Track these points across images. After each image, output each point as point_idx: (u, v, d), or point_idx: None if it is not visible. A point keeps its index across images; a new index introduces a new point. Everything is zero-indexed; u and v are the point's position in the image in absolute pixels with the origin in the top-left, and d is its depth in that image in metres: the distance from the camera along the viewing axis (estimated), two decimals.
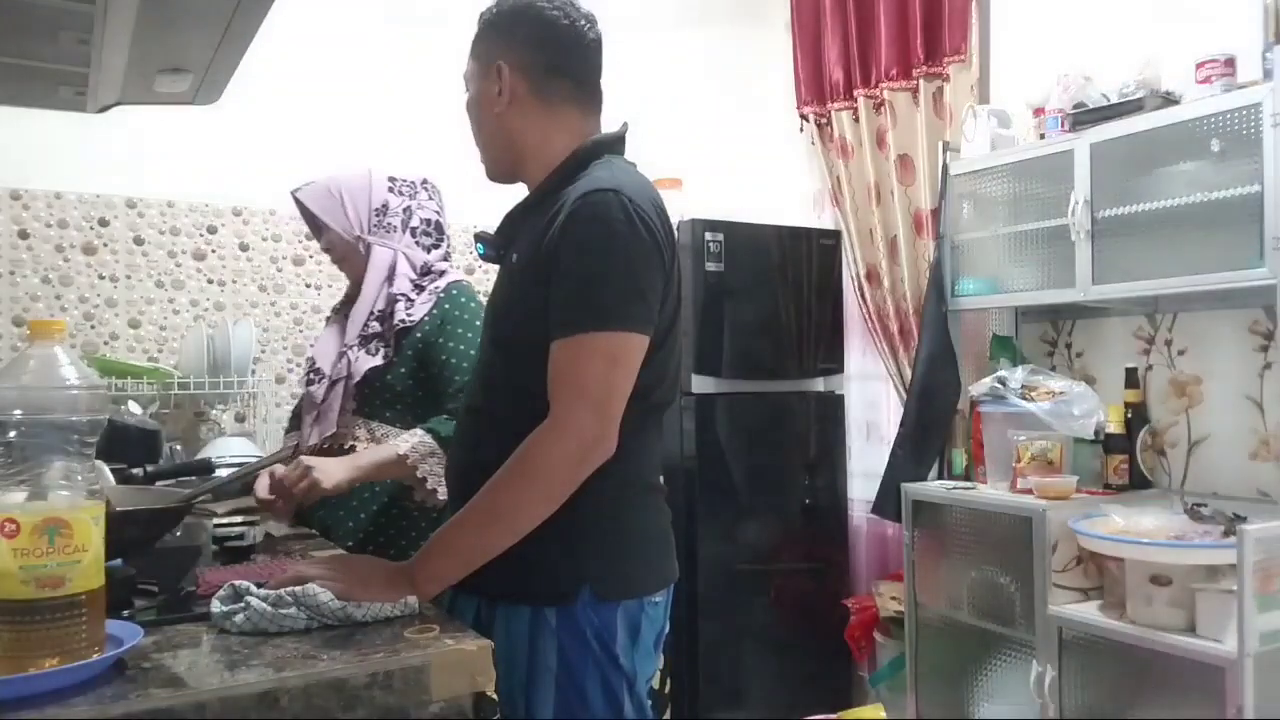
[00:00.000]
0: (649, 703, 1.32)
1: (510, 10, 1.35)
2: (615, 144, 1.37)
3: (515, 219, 1.39)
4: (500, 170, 1.41)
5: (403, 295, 1.81)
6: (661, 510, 1.37)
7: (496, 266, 1.42)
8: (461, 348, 1.75)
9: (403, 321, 1.78)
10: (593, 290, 1.19)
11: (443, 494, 1.61)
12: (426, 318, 1.79)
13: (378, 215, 1.86)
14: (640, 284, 1.21)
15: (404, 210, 1.87)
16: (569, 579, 1.23)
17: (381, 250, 1.84)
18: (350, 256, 1.87)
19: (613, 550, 1.26)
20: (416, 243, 1.88)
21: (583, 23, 1.35)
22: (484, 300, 1.77)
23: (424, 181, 1.94)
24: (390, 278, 1.83)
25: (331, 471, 1.61)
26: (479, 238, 1.43)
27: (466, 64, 1.40)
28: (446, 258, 1.93)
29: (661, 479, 1.39)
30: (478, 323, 1.75)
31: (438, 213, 1.93)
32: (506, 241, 1.38)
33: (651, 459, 1.35)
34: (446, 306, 1.80)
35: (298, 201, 1.89)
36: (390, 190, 1.88)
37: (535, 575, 1.22)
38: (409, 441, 1.65)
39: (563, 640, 1.23)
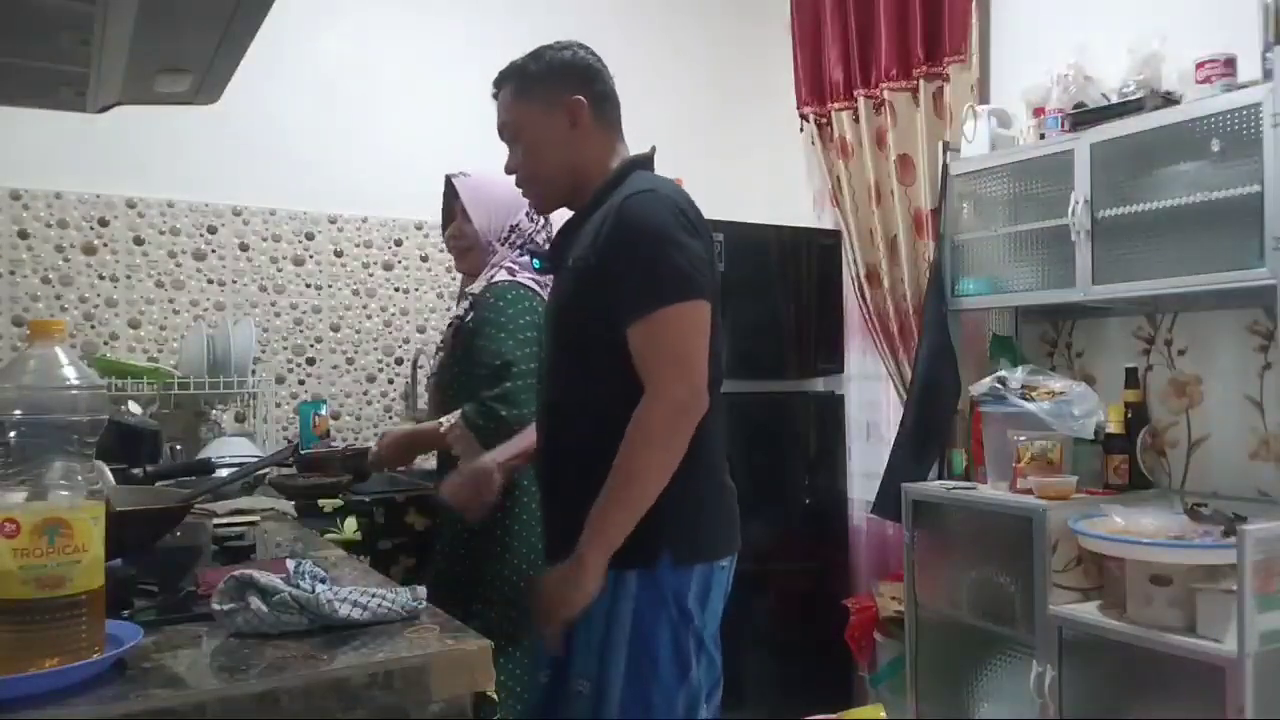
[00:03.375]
0: (717, 653, 1.50)
1: (559, 59, 1.55)
2: (646, 162, 1.57)
3: (568, 232, 1.55)
4: (558, 199, 1.58)
5: None
6: (727, 484, 1.53)
7: None
8: (491, 346, 1.89)
9: (457, 318, 1.98)
10: (653, 272, 1.36)
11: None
12: (471, 315, 1.95)
13: (510, 232, 2.04)
14: (690, 260, 1.38)
15: (529, 236, 2.05)
16: (650, 545, 1.37)
17: (501, 258, 2.02)
18: (474, 251, 2.04)
19: (689, 518, 1.41)
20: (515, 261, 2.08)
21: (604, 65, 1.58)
22: (526, 301, 1.94)
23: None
24: None
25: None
26: (534, 253, 1.67)
27: (511, 115, 1.56)
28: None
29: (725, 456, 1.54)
30: (503, 319, 1.90)
31: (534, 235, 2.10)
32: (560, 253, 1.55)
33: (716, 434, 1.49)
34: (484, 306, 1.95)
35: (450, 184, 2.06)
36: (527, 215, 2.04)
37: None
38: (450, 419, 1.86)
39: (640, 600, 1.38)
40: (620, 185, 1.47)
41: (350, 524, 2.21)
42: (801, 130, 3.43)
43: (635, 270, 1.37)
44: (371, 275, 3.05)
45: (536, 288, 2.00)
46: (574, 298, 1.47)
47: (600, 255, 1.40)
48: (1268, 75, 1.99)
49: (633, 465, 1.34)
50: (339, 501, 2.25)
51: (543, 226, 2.08)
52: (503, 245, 2.03)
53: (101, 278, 2.66)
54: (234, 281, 2.84)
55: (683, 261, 1.37)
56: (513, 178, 1.65)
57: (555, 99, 1.52)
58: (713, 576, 1.45)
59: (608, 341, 1.39)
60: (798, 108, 3.41)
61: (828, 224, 3.38)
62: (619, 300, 1.38)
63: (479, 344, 1.90)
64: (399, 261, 3.09)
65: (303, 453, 2.25)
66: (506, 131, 1.58)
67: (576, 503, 1.43)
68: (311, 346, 2.96)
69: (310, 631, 1.05)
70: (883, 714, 2.79)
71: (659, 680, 1.37)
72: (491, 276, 2.00)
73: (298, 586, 1.07)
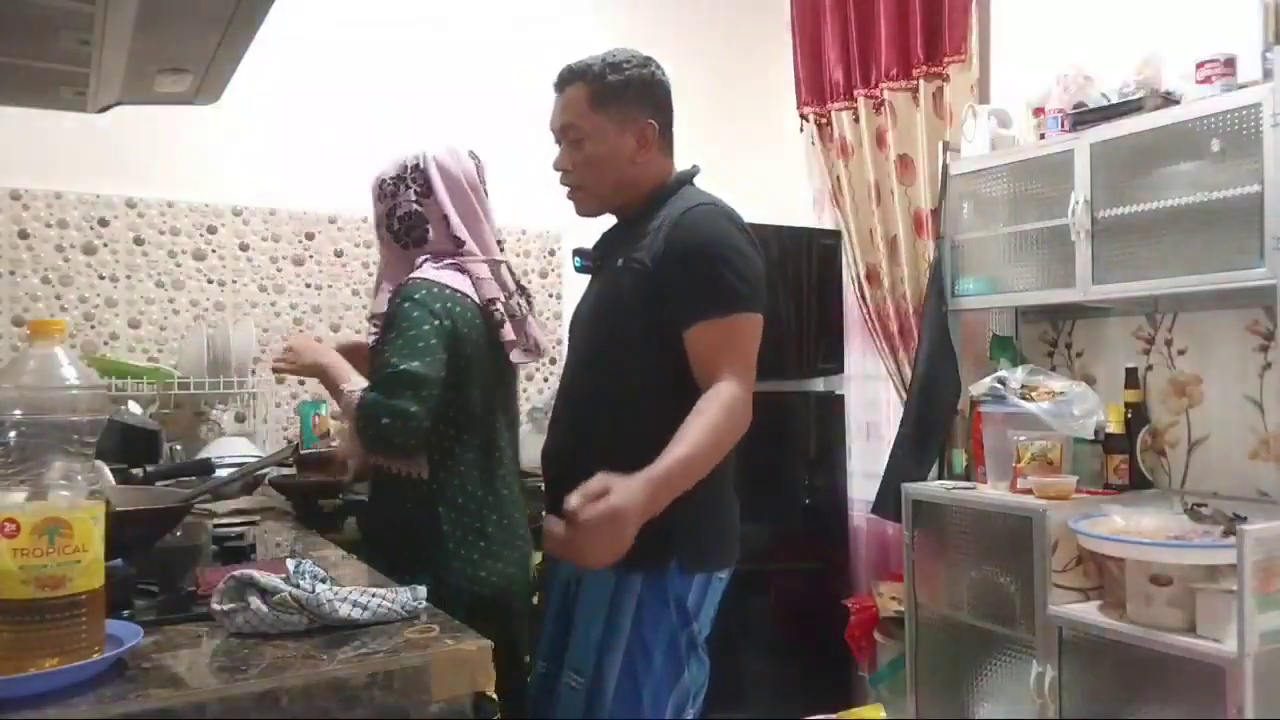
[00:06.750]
0: (706, 657, 1.48)
1: (639, 77, 1.54)
2: (692, 178, 1.60)
3: (613, 237, 1.58)
4: (605, 208, 1.58)
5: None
6: (734, 499, 1.55)
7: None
8: (400, 342, 1.62)
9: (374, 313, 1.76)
10: (723, 279, 1.39)
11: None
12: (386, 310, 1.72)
13: (386, 220, 1.79)
14: (755, 275, 1.42)
15: (387, 214, 1.79)
16: (661, 550, 1.38)
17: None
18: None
19: (700, 528, 1.43)
20: (395, 239, 1.79)
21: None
22: (437, 295, 1.68)
23: (411, 169, 1.79)
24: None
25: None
26: (578, 252, 1.63)
27: (578, 120, 1.52)
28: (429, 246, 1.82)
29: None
30: (407, 322, 1.64)
31: (414, 202, 1.78)
32: (603, 256, 1.57)
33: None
34: (397, 301, 1.68)
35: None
36: (379, 199, 1.80)
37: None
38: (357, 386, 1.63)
39: (644, 603, 1.39)
40: (674, 197, 1.50)
41: (350, 524, 2.21)
42: (801, 130, 3.43)
43: (705, 275, 1.39)
44: (371, 275, 3.05)
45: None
46: (625, 298, 1.47)
47: (658, 260, 1.42)
48: (1268, 75, 1.99)
49: (718, 428, 1.33)
50: (339, 501, 2.25)
51: (406, 189, 1.79)
52: (385, 237, 1.81)
53: (101, 278, 2.66)
54: (234, 281, 2.84)
55: (750, 275, 1.41)
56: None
57: (629, 118, 1.52)
58: (710, 586, 1.48)
59: (652, 343, 1.41)
60: (798, 108, 3.41)
61: (828, 224, 3.38)
62: (682, 303, 1.39)
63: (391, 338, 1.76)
64: None
65: (302, 453, 2.25)
66: (570, 133, 1.54)
67: None
68: None
69: (310, 631, 1.05)
70: (883, 714, 2.79)
71: (653, 679, 1.39)
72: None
73: (298, 586, 1.07)
